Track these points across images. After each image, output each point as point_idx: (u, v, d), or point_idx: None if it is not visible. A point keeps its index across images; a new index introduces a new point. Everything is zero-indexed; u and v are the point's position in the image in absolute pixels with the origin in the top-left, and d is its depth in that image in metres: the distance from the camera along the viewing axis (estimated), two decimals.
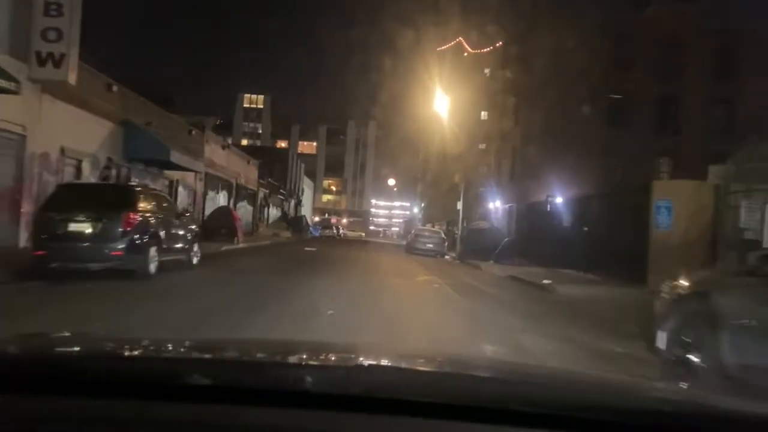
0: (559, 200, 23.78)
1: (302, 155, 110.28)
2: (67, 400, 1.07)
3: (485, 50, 38.13)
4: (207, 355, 1.50)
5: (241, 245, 22.85)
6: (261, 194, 38.50)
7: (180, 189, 22.10)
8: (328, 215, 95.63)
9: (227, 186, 29.21)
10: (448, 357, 2.02)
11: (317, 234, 57.66)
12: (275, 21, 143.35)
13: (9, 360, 1.23)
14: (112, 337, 2.02)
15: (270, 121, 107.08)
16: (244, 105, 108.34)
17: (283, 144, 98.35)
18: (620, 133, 24.82)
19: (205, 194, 25.33)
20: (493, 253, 23.04)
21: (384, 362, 1.54)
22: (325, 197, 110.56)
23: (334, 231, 58.44)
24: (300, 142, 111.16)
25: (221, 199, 27.97)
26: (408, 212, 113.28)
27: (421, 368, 1.51)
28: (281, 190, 46.15)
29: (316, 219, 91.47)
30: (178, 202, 21.71)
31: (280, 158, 49.37)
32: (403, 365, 1.51)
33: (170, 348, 1.61)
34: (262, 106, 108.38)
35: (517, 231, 24.16)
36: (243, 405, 1.05)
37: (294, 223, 46.75)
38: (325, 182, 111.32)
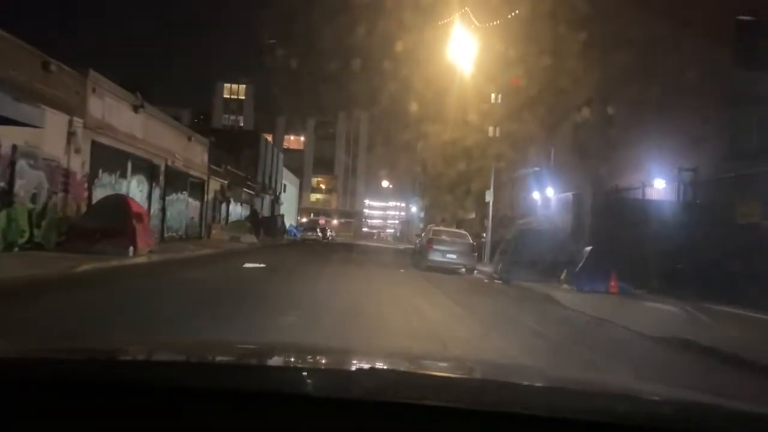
0: (661, 182, 14.69)
1: (288, 150, 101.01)
2: (64, 404, 1.05)
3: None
4: (207, 359, 1.47)
5: (138, 260, 13.43)
6: (216, 186, 29.03)
7: (22, 162, 12.61)
8: (314, 215, 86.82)
9: (146, 168, 19.70)
10: (450, 360, 2.12)
11: (297, 237, 48.30)
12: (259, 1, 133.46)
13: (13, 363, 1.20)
14: (109, 342, 2.07)
15: (253, 113, 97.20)
16: (224, 95, 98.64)
17: (268, 137, 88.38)
18: (757, 77, 15.49)
19: (92, 177, 15.83)
20: (565, 270, 13.78)
21: (385, 366, 1.53)
22: (314, 196, 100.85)
23: (319, 234, 48.84)
24: (286, 136, 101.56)
25: (133, 186, 18.51)
26: (404, 213, 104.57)
27: (423, 372, 1.50)
28: (249, 183, 36.64)
29: (304, 220, 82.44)
30: (16, 187, 12.38)
31: (247, 142, 39.64)
32: (405, 369, 1.52)
33: (169, 351, 1.62)
34: (243, 97, 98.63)
35: (593, 233, 14.85)
36: (244, 409, 1.03)
37: (266, 223, 37.33)
38: (314, 180, 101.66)
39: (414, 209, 72.91)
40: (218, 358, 1.48)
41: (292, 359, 1.51)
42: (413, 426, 1.02)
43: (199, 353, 1.57)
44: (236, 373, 1.24)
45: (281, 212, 55.65)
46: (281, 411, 1.02)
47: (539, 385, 1.40)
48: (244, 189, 35.67)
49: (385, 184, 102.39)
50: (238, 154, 38.00)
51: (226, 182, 30.55)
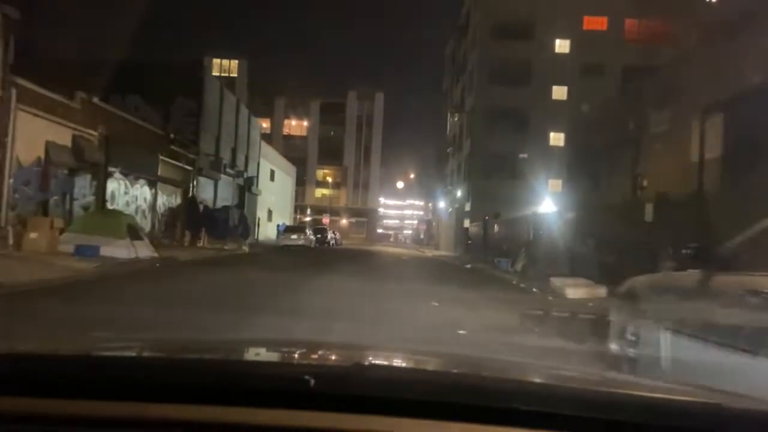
0: None
1: (289, 137, 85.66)
2: (62, 402, 1.02)
3: None
4: (206, 356, 1.47)
5: None
6: (56, 134, 13.30)
7: None
8: (311, 213, 71.34)
9: None
10: (448, 356, 2.02)
11: (282, 242, 32.64)
12: None
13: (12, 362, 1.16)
14: (108, 338, 1.97)
15: (247, 93, 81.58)
16: (214, 73, 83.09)
17: (264, 123, 71.92)
18: None
19: None
20: None
21: (383, 362, 1.51)
22: (320, 192, 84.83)
23: (311, 237, 32.85)
24: (286, 121, 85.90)
25: None
26: (422, 212, 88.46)
27: (421, 367, 1.50)
28: (176, 148, 20.82)
29: (307, 219, 67.12)
30: None
31: (182, 84, 23.49)
32: (403, 364, 1.54)
33: (168, 349, 1.58)
34: (236, 75, 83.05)
35: None
36: (242, 405, 1.02)
37: (208, 220, 21.62)
38: (319, 172, 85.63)
39: (441, 204, 56.73)
40: (214, 356, 1.44)
41: (290, 355, 1.48)
42: (412, 422, 1.00)
43: (196, 351, 1.53)
44: (232, 369, 1.22)
45: (267, 206, 39.98)
46: (279, 407, 1.01)
47: (543, 381, 1.37)
48: (163, 157, 19.87)
49: (400, 185, 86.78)
50: (168, 103, 22.39)
51: (96, 133, 14.78)
